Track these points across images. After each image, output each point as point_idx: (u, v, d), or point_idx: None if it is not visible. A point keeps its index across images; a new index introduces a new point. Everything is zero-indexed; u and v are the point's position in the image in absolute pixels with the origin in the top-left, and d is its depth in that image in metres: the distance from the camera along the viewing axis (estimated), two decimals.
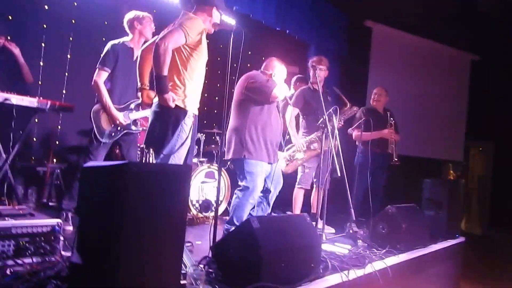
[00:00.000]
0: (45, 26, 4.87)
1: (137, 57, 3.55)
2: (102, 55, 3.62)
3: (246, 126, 3.63)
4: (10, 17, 4.60)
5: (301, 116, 4.65)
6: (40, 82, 4.84)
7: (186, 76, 2.94)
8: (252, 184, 3.58)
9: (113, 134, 3.65)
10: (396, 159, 5.03)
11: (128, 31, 3.76)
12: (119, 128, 3.67)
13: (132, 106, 3.76)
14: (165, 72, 2.77)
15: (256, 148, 3.62)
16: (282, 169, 4.34)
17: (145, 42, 3.64)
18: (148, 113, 3.66)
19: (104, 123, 3.60)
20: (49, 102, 3.65)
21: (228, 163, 3.87)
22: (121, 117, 3.64)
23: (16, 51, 4.06)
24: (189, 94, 2.96)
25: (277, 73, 3.88)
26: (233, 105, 3.77)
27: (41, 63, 4.85)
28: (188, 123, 2.96)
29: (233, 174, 4.73)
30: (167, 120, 2.92)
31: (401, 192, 6.49)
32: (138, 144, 4.71)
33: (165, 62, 2.75)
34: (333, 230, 4.45)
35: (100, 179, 1.91)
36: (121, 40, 3.71)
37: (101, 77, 3.56)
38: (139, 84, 3.22)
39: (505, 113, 8.15)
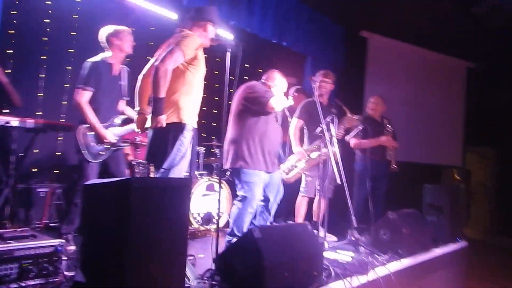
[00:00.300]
0: (46, 47, 4.93)
1: (118, 73, 3.67)
2: (83, 74, 3.49)
3: (244, 137, 3.67)
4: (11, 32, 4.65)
5: (305, 129, 4.68)
6: (39, 103, 4.90)
7: (183, 91, 2.99)
8: (250, 194, 3.60)
9: (101, 153, 3.57)
10: (394, 166, 5.05)
11: (106, 47, 3.64)
12: (107, 146, 3.60)
13: (117, 121, 3.70)
14: (163, 94, 2.82)
15: (253, 158, 3.64)
16: (284, 178, 4.38)
17: (126, 57, 3.68)
18: (133, 127, 3.66)
19: (93, 143, 3.52)
20: (45, 122, 3.70)
21: (227, 173, 3.84)
22: (110, 136, 3.57)
23: (5, 82, 3.95)
24: (187, 108, 3.00)
25: (278, 84, 3.95)
26: (231, 116, 3.80)
27: (42, 84, 4.90)
28: (187, 137, 3.00)
29: (233, 186, 4.76)
30: (166, 134, 2.95)
31: (402, 198, 6.50)
32: (140, 160, 4.77)
33: (164, 85, 2.81)
34: (335, 238, 4.46)
35: (102, 196, 1.94)
36: (100, 56, 3.60)
37: (83, 97, 3.45)
38: (137, 108, 3.20)
39: (503, 119, 8.20)
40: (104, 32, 3.64)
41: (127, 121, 3.85)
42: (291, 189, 4.80)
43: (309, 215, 4.86)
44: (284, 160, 4.47)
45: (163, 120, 2.85)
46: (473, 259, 5.14)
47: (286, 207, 5.16)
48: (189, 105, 3.02)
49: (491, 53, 7.52)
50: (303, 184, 4.61)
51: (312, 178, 4.51)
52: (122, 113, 3.81)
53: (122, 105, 3.85)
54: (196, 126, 3.15)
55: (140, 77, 3.34)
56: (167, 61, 2.80)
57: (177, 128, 2.96)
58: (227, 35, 5.86)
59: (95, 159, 3.54)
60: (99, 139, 3.54)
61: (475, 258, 5.51)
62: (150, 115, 2.91)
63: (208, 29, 3.17)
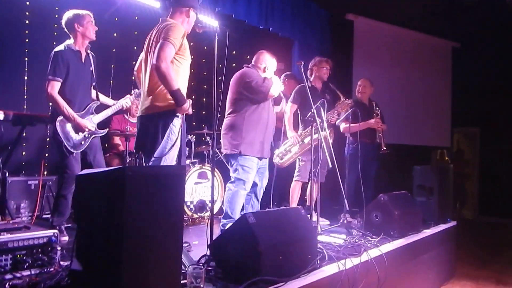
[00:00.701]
0: (27, 40, 4.85)
1: (85, 59, 3.59)
2: (50, 64, 3.41)
3: (243, 123, 3.79)
4: None
5: (300, 114, 4.71)
6: (25, 96, 4.83)
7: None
8: (245, 176, 3.77)
9: (82, 142, 3.54)
10: (384, 148, 5.11)
11: (68, 33, 3.55)
12: (87, 135, 3.56)
13: (93, 109, 3.65)
14: (176, 85, 2.86)
15: (252, 144, 3.79)
16: (278, 163, 4.48)
17: (89, 43, 3.60)
18: (109, 112, 3.75)
19: (72, 133, 3.47)
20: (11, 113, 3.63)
21: (222, 155, 3.92)
22: (89, 124, 3.53)
23: None
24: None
25: (269, 66, 4.03)
26: (228, 102, 3.88)
27: (25, 77, 4.83)
28: (176, 125, 3.00)
29: (224, 171, 4.77)
30: (155, 123, 2.96)
31: (392, 180, 6.59)
32: (131, 150, 4.74)
33: (172, 77, 2.83)
34: (327, 222, 4.51)
35: (96, 186, 1.93)
36: (64, 44, 3.49)
37: (54, 87, 3.37)
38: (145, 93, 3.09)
39: (488, 99, 8.30)
40: (65, 17, 3.54)
41: (101, 107, 3.80)
42: (284, 175, 4.84)
43: (302, 199, 4.91)
44: (278, 146, 4.50)
45: (188, 105, 2.94)
46: (462, 238, 5.24)
47: (279, 192, 5.21)
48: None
49: (475, 32, 7.57)
50: (297, 169, 4.65)
51: (305, 162, 4.56)
52: (95, 100, 3.75)
53: (93, 92, 3.77)
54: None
55: (134, 72, 3.42)
56: (162, 57, 2.80)
57: (167, 116, 2.97)
58: (213, 22, 5.82)
59: (76, 149, 3.51)
60: (78, 128, 3.49)
61: (464, 237, 5.63)
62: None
63: (190, 15, 3.15)
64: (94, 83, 3.73)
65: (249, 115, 3.81)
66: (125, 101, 3.90)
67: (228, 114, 3.89)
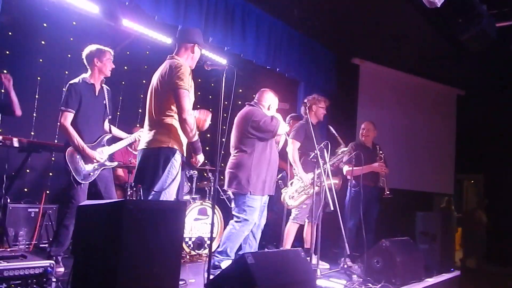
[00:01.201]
0: (40, 69, 4.97)
1: (99, 92, 3.69)
2: (63, 96, 3.52)
3: (252, 163, 3.77)
4: (7, 52, 4.70)
5: (299, 153, 4.63)
6: (33, 123, 4.90)
7: (175, 117, 3.03)
8: (251, 218, 3.72)
9: (91, 174, 3.56)
10: (388, 192, 5.07)
11: (86, 65, 3.66)
12: (96, 167, 3.60)
13: (104, 141, 3.71)
14: (197, 136, 3.06)
15: (259, 183, 3.78)
16: (289, 204, 4.40)
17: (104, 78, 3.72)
18: (123, 144, 3.80)
19: (81, 164, 3.51)
20: (15, 140, 3.70)
21: (226, 193, 3.92)
22: (97, 155, 3.57)
23: (8, 83, 3.96)
24: (179, 133, 3.06)
25: (272, 104, 4.07)
26: (235, 141, 3.89)
27: (35, 104, 4.91)
28: (178, 160, 3.03)
29: (225, 209, 4.74)
30: (157, 157, 2.99)
31: (394, 225, 6.51)
32: (125, 181, 4.74)
33: (195, 128, 3.04)
34: (327, 266, 4.42)
35: (96, 217, 1.93)
36: (80, 78, 3.61)
37: (67, 119, 3.47)
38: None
39: (492, 146, 8.31)
40: (87, 50, 3.66)
41: (113, 140, 3.85)
42: (276, 214, 4.81)
43: (299, 241, 4.84)
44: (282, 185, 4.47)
45: (201, 158, 3.13)
46: None
47: (273, 231, 5.15)
48: (179, 130, 3.06)
49: (479, 80, 7.67)
50: (295, 211, 4.56)
51: (307, 205, 4.49)
52: (107, 132, 3.79)
53: (106, 124, 3.83)
54: (184, 153, 3.17)
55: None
56: (186, 109, 2.95)
57: (169, 151, 3.01)
58: (222, 61, 5.95)
59: (85, 180, 3.53)
60: (87, 159, 3.53)
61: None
62: None
63: (195, 50, 3.24)
64: (108, 116, 3.82)
65: (257, 154, 3.81)
66: (138, 134, 3.95)
67: (236, 153, 3.87)
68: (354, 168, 4.71)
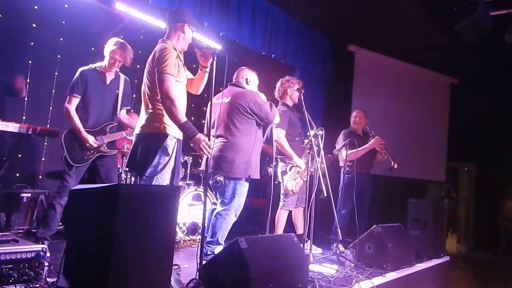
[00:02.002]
0: (31, 54, 4.91)
1: (111, 81, 3.72)
2: (72, 81, 3.61)
3: (250, 146, 3.68)
4: None
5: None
6: (25, 108, 4.85)
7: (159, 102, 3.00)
8: (241, 203, 3.69)
9: (85, 157, 3.60)
10: (393, 163, 5.10)
11: (106, 57, 3.70)
12: (91, 151, 3.62)
13: (107, 129, 3.74)
14: (183, 118, 2.86)
15: (256, 167, 3.74)
16: (292, 189, 4.32)
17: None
18: (121, 135, 3.80)
19: (77, 147, 3.57)
20: (31, 128, 3.69)
21: (217, 178, 3.64)
22: (91, 139, 3.58)
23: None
24: (167, 118, 3.01)
25: (251, 78, 4.00)
26: (230, 123, 3.66)
27: (27, 89, 4.86)
28: (170, 145, 3.01)
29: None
30: (149, 143, 2.98)
31: (386, 212, 6.57)
32: (119, 167, 4.73)
33: (177, 112, 2.85)
34: (320, 250, 4.46)
35: (88, 202, 1.92)
36: (92, 65, 3.70)
37: (72, 103, 3.57)
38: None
39: (485, 135, 8.37)
40: (112, 43, 3.71)
41: (117, 128, 3.86)
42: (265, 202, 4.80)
43: (290, 228, 4.86)
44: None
45: (201, 138, 2.86)
46: (455, 274, 5.18)
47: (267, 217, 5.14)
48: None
49: (474, 68, 7.68)
50: (284, 198, 4.46)
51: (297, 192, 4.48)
52: (115, 122, 3.81)
53: (123, 114, 3.91)
54: (181, 137, 3.15)
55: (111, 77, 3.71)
56: (165, 93, 2.85)
57: (160, 136, 2.99)
58: (217, 46, 5.89)
59: (77, 163, 3.56)
60: (82, 143, 3.57)
61: (457, 273, 5.56)
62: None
63: (186, 30, 3.16)
64: (126, 107, 3.92)
65: (253, 136, 3.71)
66: None
67: (229, 135, 3.66)
68: (353, 150, 4.69)
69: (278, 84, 4.70)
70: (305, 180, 4.29)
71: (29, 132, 4.09)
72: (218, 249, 3.52)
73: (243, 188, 3.70)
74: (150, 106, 3.03)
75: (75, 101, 3.59)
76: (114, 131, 3.79)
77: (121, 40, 3.76)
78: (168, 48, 3.00)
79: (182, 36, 3.16)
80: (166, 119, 2.98)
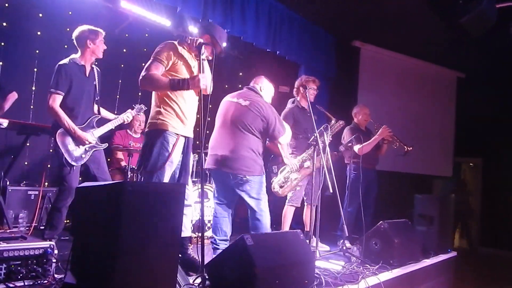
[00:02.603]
0: (37, 51, 4.94)
1: (89, 73, 3.63)
2: (53, 77, 3.42)
3: (262, 148, 3.75)
4: (4, 24, 4.68)
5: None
6: (32, 107, 4.89)
7: (166, 98, 3.10)
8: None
9: (83, 156, 3.52)
10: (406, 148, 5.14)
11: (77, 47, 3.57)
12: (87, 148, 3.55)
13: (94, 122, 3.65)
14: (166, 80, 3.02)
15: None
16: (278, 192, 4.33)
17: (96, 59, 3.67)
18: (110, 126, 3.78)
19: (73, 146, 3.46)
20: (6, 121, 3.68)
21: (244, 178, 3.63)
22: (90, 137, 3.53)
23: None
24: (171, 115, 3.09)
25: (266, 89, 3.98)
26: (247, 125, 3.64)
27: (33, 88, 4.89)
28: (170, 141, 3.06)
29: None
30: (148, 140, 3.09)
31: (393, 207, 6.54)
32: (133, 166, 4.75)
33: (155, 81, 3.02)
34: (327, 248, 4.46)
35: (95, 199, 1.93)
36: (69, 58, 3.53)
37: (56, 101, 3.38)
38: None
39: (491, 129, 8.32)
40: (78, 31, 3.56)
41: (102, 121, 3.81)
42: (279, 198, 4.82)
43: (300, 224, 4.87)
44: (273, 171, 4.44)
45: (200, 79, 2.96)
46: (462, 270, 5.16)
47: (273, 215, 5.16)
48: (172, 113, 3.09)
49: (480, 62, 7.63)
50: (290, 194, 4.51)
51: (300, 187, 4.47)
52: (97, 114, 3.75)
53: (95, 106, 3.79)
54: (189, 135, 3.19)
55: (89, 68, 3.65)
56: (144, 69, 3.06)
57: (158, 132, 3.06)
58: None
59: (77, 162, 3.49)
60: (79, 141, 3.48)
61: (464, 269, 5.55)
62: None
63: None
64: (97, 98, 3.75)
65: (263, 140, 3.81)
66: (126, 116, 3.91)
67: (246, 136, 3.64)
68: (367, 142, 4.72)
69: (296, 83, 4.81)
70: (295, 178, 4.33)
71: (36, 130, 4.12)
72: None
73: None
74: (154, 104, 3.16)
75: (59, 98, 3.40)
76: (100, 124, 3.71)
77: (97, 30, 3.61)
78: (166, 42, 3.16)
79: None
80: (165, 116, 3.06)
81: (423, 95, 8.12)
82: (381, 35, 7.12)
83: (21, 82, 4.78)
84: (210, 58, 3.24)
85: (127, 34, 5.71)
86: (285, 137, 3.85)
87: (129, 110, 3.99)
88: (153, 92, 3.17)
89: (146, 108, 4.23)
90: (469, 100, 8.12)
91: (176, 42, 3.18)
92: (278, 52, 6.06)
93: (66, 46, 5.01)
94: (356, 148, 4.92)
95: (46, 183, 4.72)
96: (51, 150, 5.04)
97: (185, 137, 3.18)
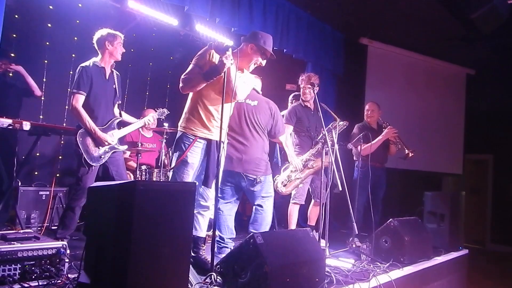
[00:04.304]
0: (47, 53, 4.98)
1: (109, 76, 3.68)
2: (75, 79, 3.52)
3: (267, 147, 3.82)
4: (14, 35, 4.71)
5: (293, 134, 4.62)
6: (42, 107, 4.93)
7: (194, 102, 3.19)
8: None
9: (102, 157, 3.58)
10: (407, 152, 5.11)
11: (97, 49, 3.66)
12: (107, 149, 3.61)
13: (115, 124, 3.72)
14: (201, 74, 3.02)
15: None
16: (282, 191, 4.34)
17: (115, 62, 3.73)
18: (132, 128, 3.86)
19: (92, 146, 3.52)
20: (28, 123, 3.66)
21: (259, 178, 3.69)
22: (109, 138, 3.58)
23: (20, 68, 4.25)
24: (193, 120, 3.16)
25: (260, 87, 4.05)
26: (259, 124, 3.71)
27: (43, 88, 4.93)
28: (185, 141, 3.14)
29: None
30: (176, 140, 3.24)
31: (402, 205, 6.52)
32: (143, 165, 4.77)
33: (193, 79, 3.06)
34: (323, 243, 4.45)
35: (107, 198, 1.94)
36: (91, 61, 3.62)
37: (78, 101, 3.47)
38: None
39: (501, 126, 8.25)
40: (98, 34, 3.65)
41: (122, 124, 3.87)
42: (279, 197, 4.84)
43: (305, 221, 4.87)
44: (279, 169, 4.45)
45: (224, 59, 2.92)
46: (473, 267, 5.13)
47: (276, 215, 5.18)
48: (196, 116, 3.15)
49: (489, 59, 7.56)
50: (294, 191, 4.50)
51: (303, 185, 4.47)
52: (117, 116, 3.81)
53: (116, 109, 3.86)
54: (210, 137, 3.19)
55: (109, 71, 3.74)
56: (184, 73, 3.13)
57: (180, 134, 3.20)
58: (228, 42, 5.89)
59: (95, 162, 3.54)
60: (99, 142, 3.54)
61: (476, 266, 5.51)
62: None
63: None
64: (118, 101, 3.83)
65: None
66: (148, 119, 3.97)
67: (265, 140, 3.75)
68: (368, 144, 4.68)
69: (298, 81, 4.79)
70: (299, 178, 4.35)
71: (47, 130, 4.14)
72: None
73: None
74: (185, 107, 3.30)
75: (82, 98, 3.49)
76: (120, 126, 3.78)
77: (116, 33, 3.68)
78: (205, 48, 3.18)
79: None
80: (186, 121, 3.18)
81: (432, 92, 8.07)
82: (389, 32, 7.09)
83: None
84: (262, 64, 3.36)
85: (135, 34, 5.72)
86: (284, 136, 3.95)
87: (151, 113, 4.05)
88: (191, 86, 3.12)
89: (169, 112, 4.28)
90: (479, 97, 8.05)
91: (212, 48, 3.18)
92: (285, 50, 6.05)
93: (73, 55, 5.09)
94: (361, 149, 4.91)
95: (56, 183, 4.75)
96: (60, 151, 5.10)
97: (207, 139, 3.20)
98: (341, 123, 4.43)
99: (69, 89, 5.11)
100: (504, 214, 8.38)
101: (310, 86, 4.42)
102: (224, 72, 2.95)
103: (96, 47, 3.66)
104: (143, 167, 4.91)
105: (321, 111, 4.08)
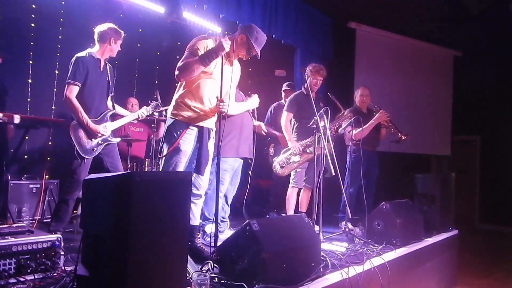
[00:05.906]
0: (32, 43, 4.88)
1: (103, 68, 3.64)
2: (70, 69, 3.45)
3: None
4: None
5: (294, 121, 4.71)
6: (29, 99, 4.85)
7: (186, 90, 3.16)
8: None
9: (95, 149, 3.54)
10: (400, 135, 5.15)
11: (97, 42, 3.60)
12: (99, 141, 3.57)
13: (108, 116, 3.68)
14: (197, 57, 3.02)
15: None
16: (278, 171, 4.50)
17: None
18: (125, 120, 3.85)
19: (85, 139, 3.48)
20: (18, 117, 3.62)
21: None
22: (101, 129, 3.54)
23: None
24: (184, 108, 3.14)
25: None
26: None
27: (30, 80, 4.85)
28: (176, 129, 3.13)
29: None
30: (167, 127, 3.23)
31: (393, 188, 6.59)
32: (134, 156, 4.74)
33: (189, 62, 3.03)
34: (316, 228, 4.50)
35: (103, 190, 1.93)
36: (86, 52, 3.55)
37: (72, 92, 3.40)
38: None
39: (488, 107, 8.34)
40: (103, 27, 3.59)
41: (115, 116, 3.83)
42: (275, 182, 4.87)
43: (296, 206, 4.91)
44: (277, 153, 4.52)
45: (222, 41, 2.95)
46: (463, 247, 5.23)
47: (274, 200, 5.24)
48: (188, 104, 3.13)
49: (477, 41, 7.60)
50: (292, 176, 4.62)
51: (301, 169, 4.56)
52: (111, 109, 3.77)
53: (109, 101, 3.82)
54: (203, 124, 3.20)
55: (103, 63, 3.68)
56: (180, 61, 3.10)
57: (170, 122, 3.18)
58: (216, 29, 5.83)
59: (88, 155, 3.50)
60: (91, 134, 3.50)
61: (466, 246, 5.62)
62: None
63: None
64: (111, 94, 3.78)
65: None
66: (141, 112, 3.94)
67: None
68: (363, 128, 4.71)
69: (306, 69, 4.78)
70: (297, 161, 4.46)
71: (35, 123, 4.09)
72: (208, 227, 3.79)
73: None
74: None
75: (76, 89, 3.42)
76: (113, 119, 3.74)
77: (120, 31, 3.67)
78: (197, 38, 3.18)
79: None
80: (176, 107, 3.15)
81: (420, 75, 8.12)
82: (377, 15, 7.07)
83: (16, 74, 4.74)
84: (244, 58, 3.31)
85: (121, 16, 5.60)
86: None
87: (144, 106, 4.02)
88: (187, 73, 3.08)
89: (163, 105, 4.25)
90: (466, 78, 8.12)
91: (206, 36, 3.20)
92: (274, 36, 6.01)
93: (60, 37, 4.99)
94: (353, 134, 4.93)
95: (47, 176, 4.71)
96: (49, 143, 5.04)
97: (199, 127, 3.19)
98: (346, 114, 4.54)
99: (55, 81, 5.05)
100: (492, 194, 8.54)
101: (321, 78, 4.62)
102: (222, 56, 3.00)
103: (97, 39, 3.59)
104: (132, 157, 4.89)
105: (324, 101, 4.20)
